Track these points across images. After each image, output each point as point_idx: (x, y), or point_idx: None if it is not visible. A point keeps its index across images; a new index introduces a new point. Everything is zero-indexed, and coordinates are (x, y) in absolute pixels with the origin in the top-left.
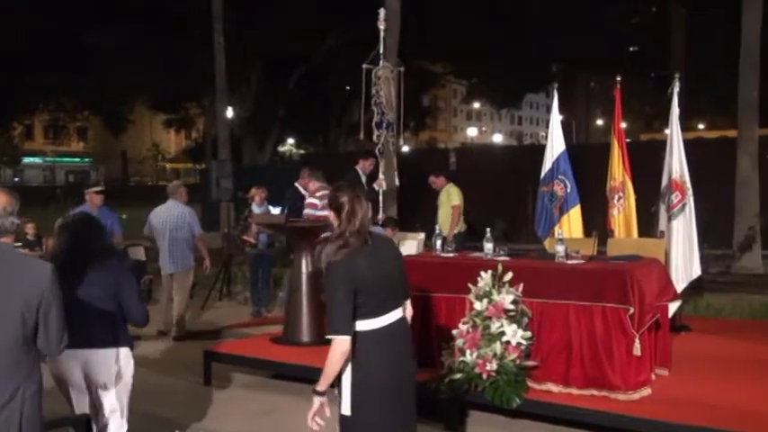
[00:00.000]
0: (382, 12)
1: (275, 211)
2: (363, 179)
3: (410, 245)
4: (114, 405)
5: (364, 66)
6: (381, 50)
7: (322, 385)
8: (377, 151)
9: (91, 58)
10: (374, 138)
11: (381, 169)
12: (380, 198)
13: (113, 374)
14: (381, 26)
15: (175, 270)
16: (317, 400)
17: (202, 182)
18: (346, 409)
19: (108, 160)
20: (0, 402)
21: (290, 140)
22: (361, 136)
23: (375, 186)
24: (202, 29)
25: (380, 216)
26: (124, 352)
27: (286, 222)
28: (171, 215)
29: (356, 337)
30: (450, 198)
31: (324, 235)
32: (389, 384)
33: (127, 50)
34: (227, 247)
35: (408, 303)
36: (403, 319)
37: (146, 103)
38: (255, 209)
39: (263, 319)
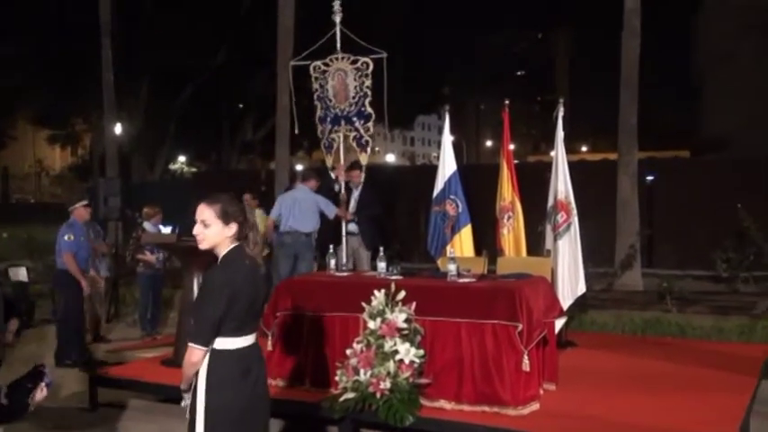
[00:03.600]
0: (337, 2)
1: (166, 230)
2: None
3: None
4: None
5: (292, 63)
6: (338, 43)
7: (184, 383)
8: (322, 146)
9: None
10: (318, 132)
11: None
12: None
13: None
14: (337, 18)
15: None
16: (186, 397)
17: (90, 200)
18: None
19: None
20: None
21: (182, 158)
22: (319, 134)
23: (334, 185)
24: (89, 42)
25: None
26: None
27: (177, 241)
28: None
29: (214, 356)
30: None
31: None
32: (244, 408)
33: (8, 61)
34: (115, 267)
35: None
36: (258, 344)
37: (28, 117)
38: (149, 227)
39: (154, 341)
